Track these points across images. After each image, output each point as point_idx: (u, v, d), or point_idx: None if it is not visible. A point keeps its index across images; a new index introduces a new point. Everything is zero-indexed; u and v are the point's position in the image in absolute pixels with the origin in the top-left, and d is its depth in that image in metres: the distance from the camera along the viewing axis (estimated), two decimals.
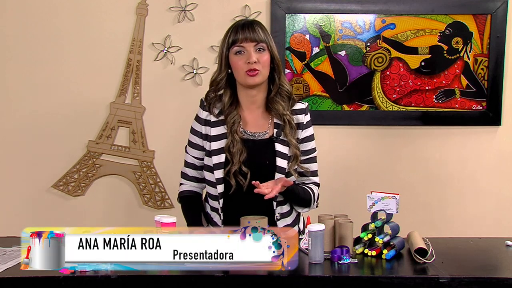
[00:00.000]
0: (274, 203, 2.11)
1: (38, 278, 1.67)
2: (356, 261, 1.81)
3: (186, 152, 2.21)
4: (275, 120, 2.13)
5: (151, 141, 3.06)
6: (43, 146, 3.04)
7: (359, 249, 1.90)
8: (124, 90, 3.02)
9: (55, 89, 3.02)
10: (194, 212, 2.16)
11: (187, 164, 2.21)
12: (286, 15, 2.98)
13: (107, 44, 3.00)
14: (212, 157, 2.10)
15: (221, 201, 2.11)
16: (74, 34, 2.99)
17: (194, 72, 3.01)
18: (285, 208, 2.15)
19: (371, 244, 1.91)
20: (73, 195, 3.06)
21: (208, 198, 2.19)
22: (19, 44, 3.00)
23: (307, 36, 3.00)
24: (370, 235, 1.90)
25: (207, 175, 2.14)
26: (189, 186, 2.22)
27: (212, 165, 2.10)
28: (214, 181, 2.10)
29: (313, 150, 2.21)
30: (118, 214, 3.08)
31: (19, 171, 3.05)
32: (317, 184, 2.23)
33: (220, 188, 2.09)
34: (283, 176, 2.07)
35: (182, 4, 2.98)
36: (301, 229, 2.21)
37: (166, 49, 3.00)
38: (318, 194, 2.21)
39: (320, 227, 1.81)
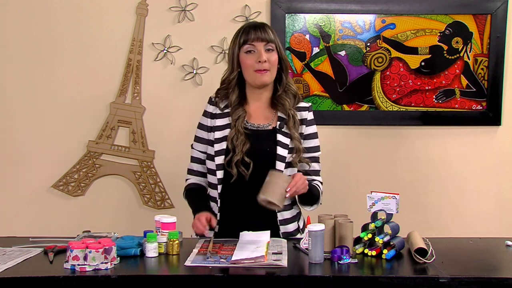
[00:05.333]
0: None
1: (38, 278, 1.67)
2: (356, 261, 1.81)
3: (192, 147, 2.24)
4: (279, 114, 2.17)
5: (151, 141, 3.06)
6: (43, 146, 3.04)
7: (359, 249, 1.90)
8: (124, 90, 3.02)
9: (55, 89, 3.02)
10: (199, 199, 2.18)
11: (193, 159, 2.24)
12: (286, 15, 2.98)
13: (107, 44, 3.00)
14: (214, 145, 2.14)
15: (219, 187, 2.12)
16: (74, 34, 2.99)
17: (194, 72, 3.01)
18: (285, 201, 2.15)
19: (371, 244, 1.90)
20: (73, 195, 3.06)
21: (209, 188, 2.22)
22: (19, 44, 3.00)
23: (307, 36, 3.00)
24: (370, 235, 1.90)
25: (209, 164, 2.17)
26: (195, 179, 2.24)
27: (213, 153, 2.13)
28: (214, 168, 2.12)
29: (316, 149, 2.23)
30: (118, 214, 3.08)
31: (19, 171, 3.05)
32: (321, 183, 2.24)
33: (220, 174, 2.12)
34: (284, 163, 2.10)
35: (182, 4, 2.98)
36: (301, 227, 2.21)
37: (166, 49, 3.00)
38: (322, 191, 2.23)
39: (320, 227, 1.81)
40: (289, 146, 2.13)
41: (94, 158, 3.05)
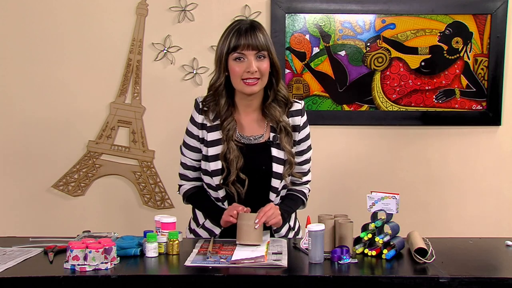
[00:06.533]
0: None
1: (38, 278, 1.66)
2: (356, 261, 1.81)
3: (183, 154, 2.17)
4: (271, 124, 2.11)
5: (151, 141, 3.06)
6: (43, 146, 3.04)
7: (359, 249, 1.89)
8: (124, 90, 3.03)
9: (55, 89, 3.02)
10: (211, 202, 2.14)
11: (187, 167, 2.17)
12: (286, 15, 2.98)
13: (107, 44, 3.00)
14: (210, 163, 2.08)
15: (225, 203, 2.10)
16: (74, 34, 2.99)
17: (194, 72, 3.01)
18: None
19: (371, 244, 1.90)
20: (73, 195, 3.06)
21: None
22: (19, 44, 3.00)
23: (307, 36, 3.00)
24: (370, 235, 1.90)
25: (206, 179, 2.13)
26: (191, 184, 2.20)
27: (210, 171, 2.08)
28: (215, 186, 2.09)
29: (308, 149, 2.19)
30: (118, 214, 3.08)
31: (19, 171, 3.06)
32: (308, 181, 2.23)
33: (222, 192, 2.09)
34: (280, 180, 2.08)
35: (182, 4, 2.98)
36: (291, 226, 2.21)
37: (166, 49, 3.00)
38: (309, 189, 2.23)
39: (320, 227, 1.81)
40: (284, 159, 2.09)
41: (94, 158, 3.05)
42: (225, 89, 2.07)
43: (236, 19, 2.92)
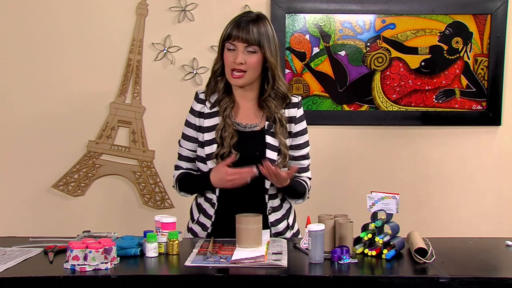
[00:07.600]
0: (266, 196, 2.12)
1: (38, 278, 1.67)
2: (356, 261, 1.81)
3: (180, 145, 2.20)
4: (267, 115, 2.13)
5: (151, 141, 3.06)
6: (43, 146, 3.04)
7: (359, 249, 1.90)
8: (124, 90, 3.03)
9: (55, 89, 3.02)
10: (197, 176, 2.16)
11: (181, 157, 2.20)
12: (286, 15, 2.98)
13: (107, 44, 3.00)
14: (205, 147, 2.11)
15: (217, 190, 2.11)
16: (74, 34, 3.00)
17: (194, 72, 3.01)
18: (276, 202, 2.15)
19: (371, 244, 1.90)
20: (73, 195, 3.06)
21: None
22: (19, 44, 3.00)
23: (307, 36, 3.00)
24: (370, 235, 1.90)
25: (201, 166, 2.15)
26: (183, 171, 2.21)
27: (204, 156, 2.11)
28: (209, 170, 2.10)
29: (306, 144, 2.20)
30: (118, 214, 3.08)
31: (19, 171, 3.05)
32: (309, 178, 2.23)
33: None
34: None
35: (182, 4, 2.98)
36: (290, 224, 2.21)
37: (166, 49, 3.00)
38: (310, 186, 2.22)
39: (320, 227, 1.81)
40: (278, 147, 2.11)
41: (94, 158, 3.05)
42: (223, 75, 2.12)
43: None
